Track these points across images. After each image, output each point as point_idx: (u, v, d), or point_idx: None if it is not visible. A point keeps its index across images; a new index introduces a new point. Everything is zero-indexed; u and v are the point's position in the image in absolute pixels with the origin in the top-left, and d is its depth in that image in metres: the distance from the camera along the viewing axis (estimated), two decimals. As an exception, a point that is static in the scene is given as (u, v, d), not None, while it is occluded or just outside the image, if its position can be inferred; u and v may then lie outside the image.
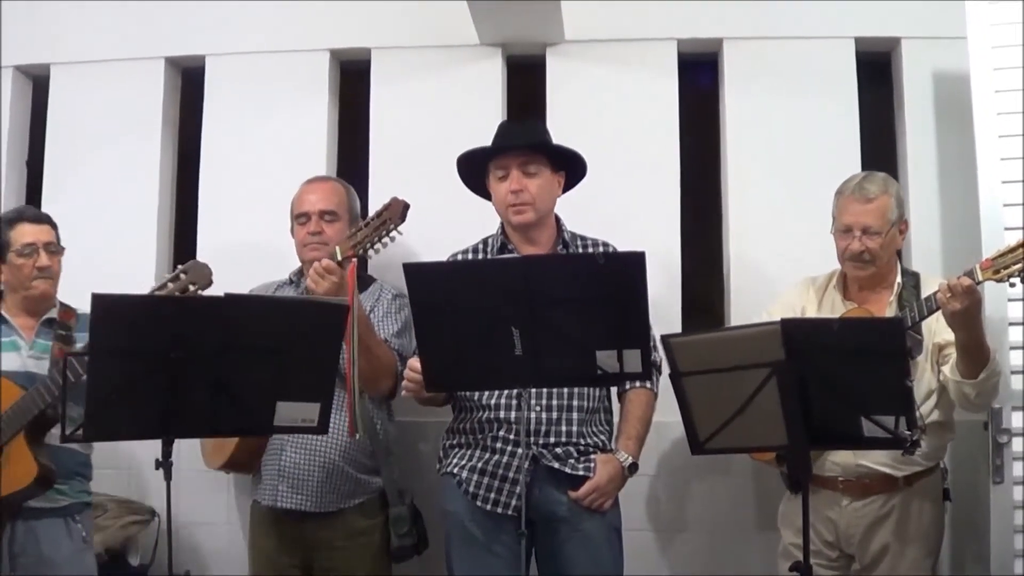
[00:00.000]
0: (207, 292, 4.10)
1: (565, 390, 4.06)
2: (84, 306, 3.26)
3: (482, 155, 4.31)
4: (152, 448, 3.43)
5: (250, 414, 3.47)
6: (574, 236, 4.31)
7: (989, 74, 4.42)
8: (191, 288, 4.07)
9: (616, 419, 4.30)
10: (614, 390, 4.30)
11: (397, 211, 4.02)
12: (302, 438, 4.36)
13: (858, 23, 5.12)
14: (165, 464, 3.42)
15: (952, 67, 4.85)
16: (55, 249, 4.42)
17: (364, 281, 4.61)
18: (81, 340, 4.38)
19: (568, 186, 4.34)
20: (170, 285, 4.08)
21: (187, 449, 4.60)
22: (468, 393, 4.16)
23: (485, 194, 4.34)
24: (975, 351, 3.89)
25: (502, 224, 4.31)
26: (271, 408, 3.44)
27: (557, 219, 4.32)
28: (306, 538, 4.44)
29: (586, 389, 4.10)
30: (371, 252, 4.08)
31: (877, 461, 4.07)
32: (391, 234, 4.03)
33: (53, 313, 4.45)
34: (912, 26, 5.09)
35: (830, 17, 5.12)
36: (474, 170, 4.35)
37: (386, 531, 4.50)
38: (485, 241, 4.37)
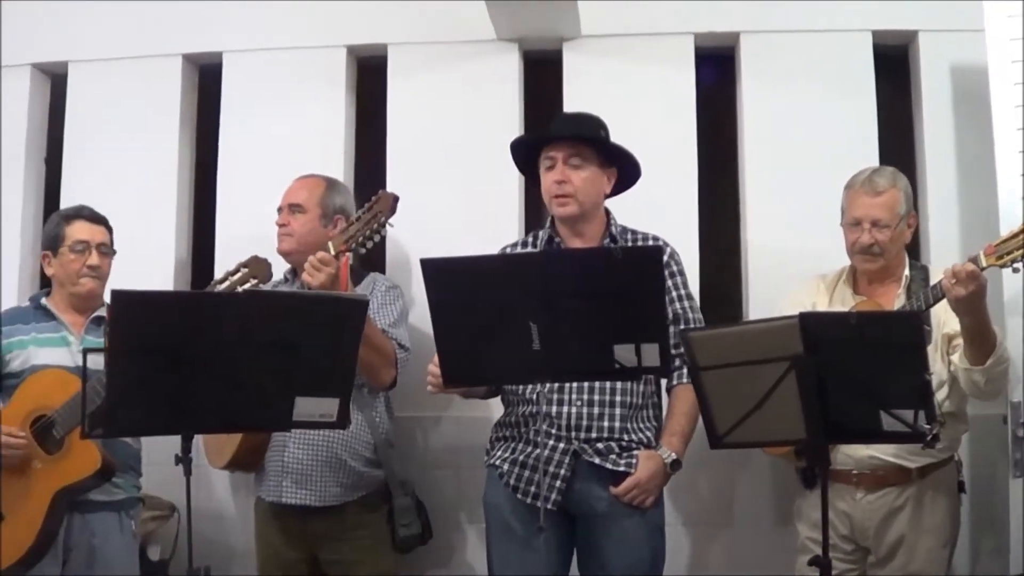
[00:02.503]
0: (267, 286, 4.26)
1: (607, 385, 4.04)
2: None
3: (533, 143, 4.30)
4: (172, 443, 3.43)
5: (269, 409, 3.45)
6: (624, 230, 4.29)
7: (1007, 67, 4.40)
8: (252, 282, 4.15)
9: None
10: (664, 384, 4.27)
11: (387, 204, 4.06)
12: (305, 434, 4.41)
13: (875, 16, 5.11)
14: (185, 460, 3.42)
15: (970, 60, 4.84)
16: (107, 250, 4.48)
17: (358, 274, 4.65)
18: None
19: (625, 186, 4.32)
20: (231, 279, 4.15)
21: (207, 444, 4.64)
22: (513, 387, 4.16)
23: (539, 182, 4.30)
24: (981, 337, 3.89)
25: (551, 217, 4.28)
26: (290, 403, 3.42)
27: (608, 212, 4.30)
28: (311, 532, 4.48)
29: (630, 385, 4.08)
30: (364, 247, 4.14)
31: (889, 452, 4.08)
32: (383, 228, 4.07)
33: (102, 311, 4.49)
34: (929, 19, 5.08)
35: (847, 10, 5.11)
36: (528, 157, 4.31)
37: (389, 523, 4.54)
38: (535, 234, 4.36)
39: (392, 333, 4.46)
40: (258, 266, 4.20)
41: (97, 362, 4.29)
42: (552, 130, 4.27)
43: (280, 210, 4.65)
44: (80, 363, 4.28)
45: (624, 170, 4.27)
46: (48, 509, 4.15)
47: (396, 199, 4.07)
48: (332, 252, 4.10)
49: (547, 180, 4.17)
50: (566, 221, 4.21)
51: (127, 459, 4.41)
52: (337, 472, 4.42)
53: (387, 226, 4.08)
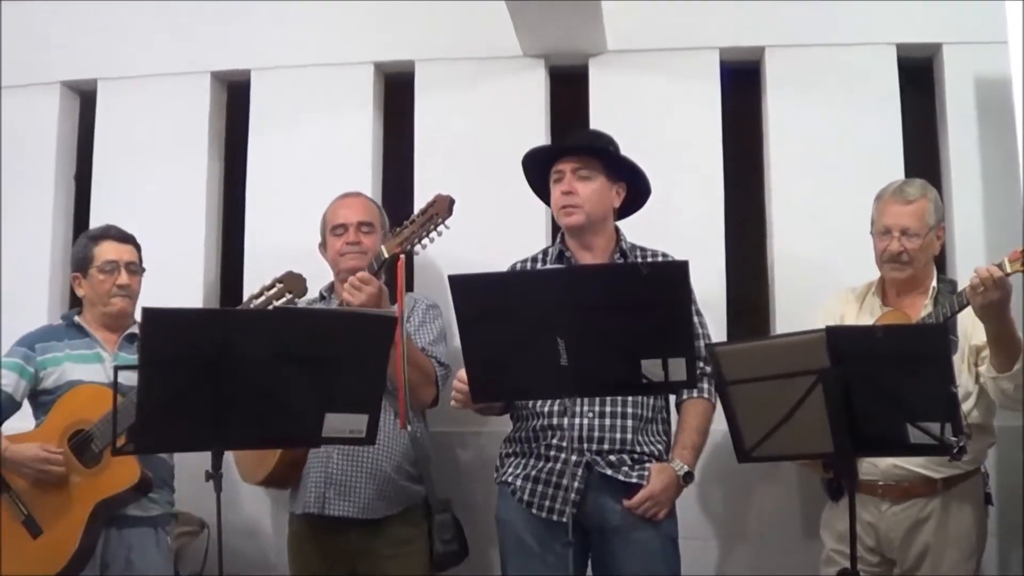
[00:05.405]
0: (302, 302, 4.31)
1: (619, 397, 4.05)
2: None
3: (544, 160, 4.34)
4: (202, 459, 3.45)
5: (298, 425, 3.49)
6: (633, 247, 4.31)
7: (1031, 78, 4.41)
8: (287, 297, 4.21)
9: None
10: (672, 400, 4.29)
11: (444, 206, 4.16)
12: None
13: (899, 29, 5.12)
14: (215, 476, 3.44)
15: (994, 71, 4.86)
16: (135, 269, 4.54)
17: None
18: None
19: (637, 204, 4.35)
20: (267, 293, 4.21)
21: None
22: (524, 402, 4.17)
23: (549, 199, 4.36)
24: (1007, 343, 3.91)
25: (561, 233, 4.31)
26: (319, 419, 3.45)
27: (617, 230, 4.33)
28: (352, 548, 4.47)
29: (640, 397, 4.09)
30: (418, 247, 4.23)
31: (915, 463, 4.09)
32: (438, 228, 4.17)
33: (134, 328, 4.52)
34: (953, 31, 5.08)
35: (871, 24, 5.12)
36: (539, 175, 4.36)
37: (429, 539, 4.49)
38: (545, 251, 4.39)
39: (432, 351, 4.50)
40: (294, 281, 4.26)
41: (131, 379, 4.36)
42: (559, 145, 4.33)
43: (342, 228, 4.61)
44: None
45: (634, 186, 4.30)
46: (87, 522, 4.19)
47: (452, 201, 4.17)
48: (385, 255, 4.18)
49: (555, 193, 4.23)
50: (574, 233, 4.25)
51: (163, 474, 4.46)
52: (381, 484, 4.42)
53: (444, 227, 4.18)
